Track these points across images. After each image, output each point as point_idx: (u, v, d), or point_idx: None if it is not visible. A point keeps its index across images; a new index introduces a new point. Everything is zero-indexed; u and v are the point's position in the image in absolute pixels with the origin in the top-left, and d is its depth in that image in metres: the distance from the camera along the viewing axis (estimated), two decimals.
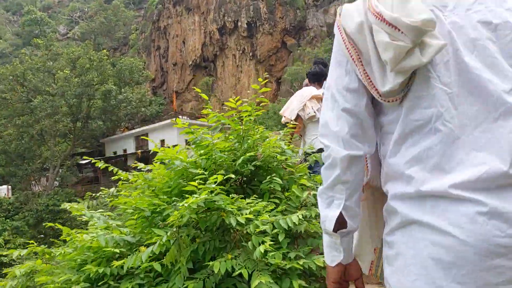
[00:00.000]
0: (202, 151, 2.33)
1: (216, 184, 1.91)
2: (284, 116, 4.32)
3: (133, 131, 34.42)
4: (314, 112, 4.14)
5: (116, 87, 25.21)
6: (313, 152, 3.81)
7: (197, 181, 1.87)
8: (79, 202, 2.76)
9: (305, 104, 4.20)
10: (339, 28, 0.98)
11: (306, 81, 4.78)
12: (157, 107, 38.32)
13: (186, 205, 1.74)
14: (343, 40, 0.97)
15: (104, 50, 25.09)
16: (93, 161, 2.81)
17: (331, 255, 1.04)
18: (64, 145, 28.07)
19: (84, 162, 32.09)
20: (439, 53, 0.85)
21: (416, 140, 0.89)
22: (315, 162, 3.31)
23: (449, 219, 0.82)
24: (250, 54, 38.87)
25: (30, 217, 21.60)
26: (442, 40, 0.85)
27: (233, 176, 2.14)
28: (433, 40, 0.85)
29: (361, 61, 0.94)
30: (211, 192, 1.87)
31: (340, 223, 0.99)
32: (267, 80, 2.85)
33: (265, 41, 37.91)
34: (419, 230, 0.87)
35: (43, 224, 2.72)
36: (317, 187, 2.42)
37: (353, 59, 0.95)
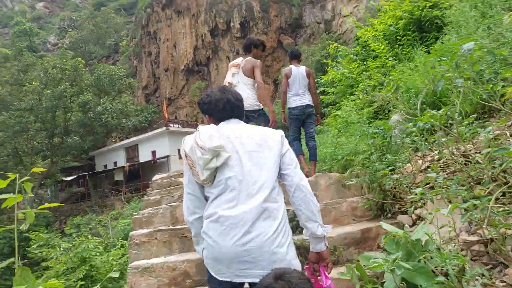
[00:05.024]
0: None
1: None
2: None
3: (123, 142, 32.38)
4: (231, 79, 5.11)
5: (97, 97, 23.05)
6: None
7: None
8: None
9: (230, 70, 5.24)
10: (183, 149, 1.96)
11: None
12: (149, 115, 36.30)
13: None
14: (185, 156, 1.95)
15: (79, 58, 22.88)
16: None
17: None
18: (48, 160, 25.84)
19: (70, 178, 30.17)
20: (231, 157, 1.91)
21: (219, 198, 1.89)
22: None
23: None
24: None
25: (3, 245, 19.55)
26: (228, 153, 1.89)
27: None
28: (224, 153, 1.88)
29: (193, 166, 1.91)
30: None
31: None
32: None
33: None
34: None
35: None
36: None
37: (190, 166, 1.93)
